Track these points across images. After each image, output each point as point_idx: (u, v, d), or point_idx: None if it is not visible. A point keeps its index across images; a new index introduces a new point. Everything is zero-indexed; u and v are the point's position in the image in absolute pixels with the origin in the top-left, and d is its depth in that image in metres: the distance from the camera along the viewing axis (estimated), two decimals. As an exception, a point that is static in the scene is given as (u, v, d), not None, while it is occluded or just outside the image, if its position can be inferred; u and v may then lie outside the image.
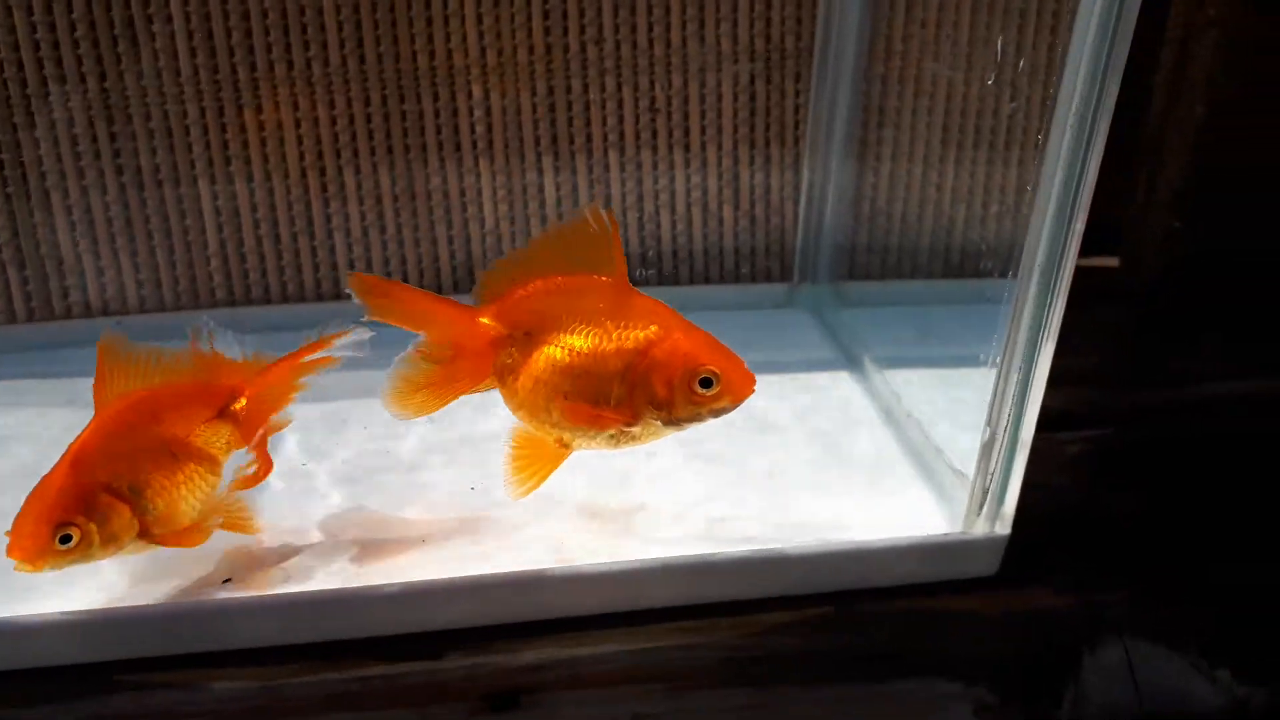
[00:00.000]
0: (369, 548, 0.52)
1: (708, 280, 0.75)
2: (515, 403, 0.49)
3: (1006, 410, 0.50)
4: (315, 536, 0.52)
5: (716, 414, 0.47)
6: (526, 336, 0.48)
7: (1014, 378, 0.50)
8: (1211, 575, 0.55)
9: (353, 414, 0.61)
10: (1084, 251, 0.87)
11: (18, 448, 0.58)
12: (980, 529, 0.53)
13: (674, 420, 0.47)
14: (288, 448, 0.59)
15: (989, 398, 0.51)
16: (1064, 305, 0.48)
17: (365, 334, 0.49)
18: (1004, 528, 0.53)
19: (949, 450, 0.57)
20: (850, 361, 0.69)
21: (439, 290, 0.72)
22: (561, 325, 0.47)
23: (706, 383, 0.46)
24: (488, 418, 0.59)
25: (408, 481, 0.57)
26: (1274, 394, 0.69)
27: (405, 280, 0.71)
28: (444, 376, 0.49)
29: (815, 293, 0.74)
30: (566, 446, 0.49)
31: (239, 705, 0.46)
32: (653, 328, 0.47)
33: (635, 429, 0.47)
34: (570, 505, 0.55)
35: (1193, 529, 0.58)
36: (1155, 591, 0.53)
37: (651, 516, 0.54)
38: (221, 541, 0.51)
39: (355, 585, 0.49)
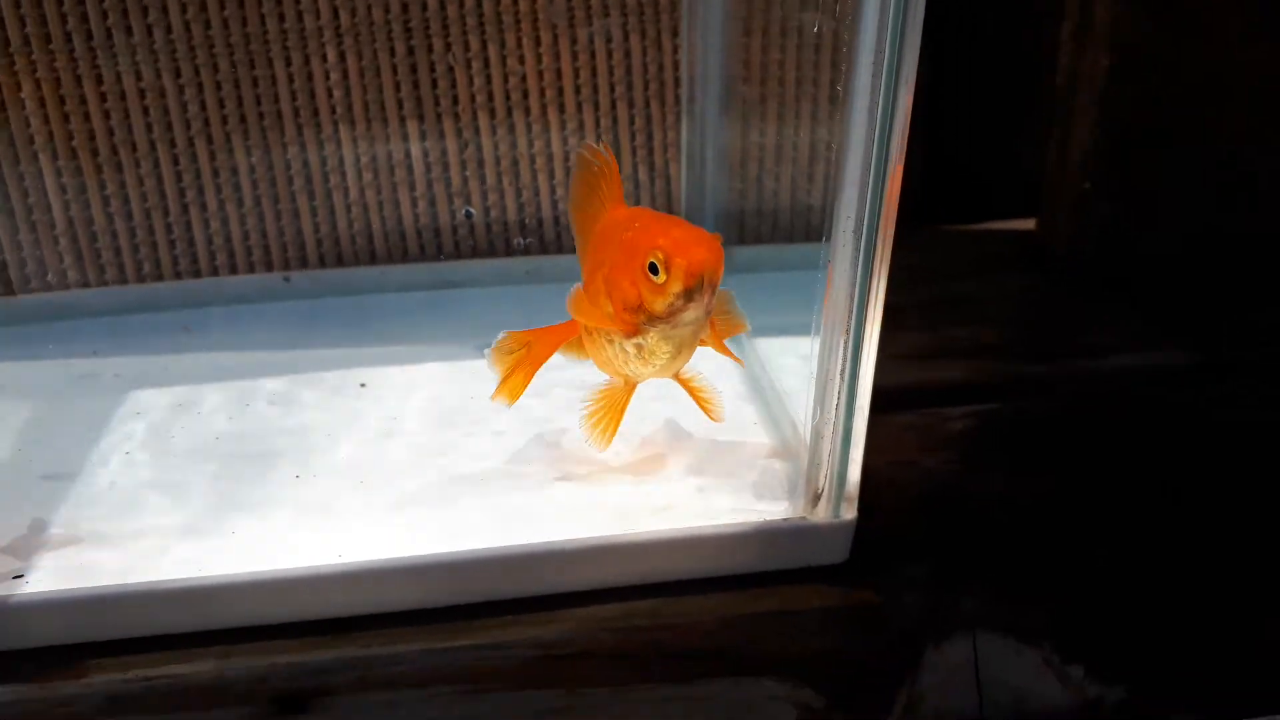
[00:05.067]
0: (170, 540, 0.49)
1: (591, 249, 0.71)
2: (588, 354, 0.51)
3: (835, 385, 0.46)
4: (123, 530, 0.50)
5: (687, 298, 0.43)
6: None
7: (838, 348, 0.45)
8: (1081, 564, 0.50)
9: (186, 401, 0.59)
10: (997, 214, 0.83)
11: None
12: (822, 514, 0.49)
13: (656, 318, 0.44)
14: (107, 437, 0.56)
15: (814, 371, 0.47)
16: (886, 270, 0.44)
17: None
18: (849, 512, 0.49)
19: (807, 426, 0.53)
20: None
21: (304, 264, 0.69)
22: (591, 268, 0.48)
23: (654, 269, 0.43)
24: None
25: (225, 473, 0.54)
26: (1178, 368, 0.64)
27: (268, 254, 0.68)
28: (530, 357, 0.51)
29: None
30: (628, 382, 0.50)
31: (11, 710, 0.44)
32: (624, 235, 0.45)
33: (644, 340, 0.46)
34: (371, 496, 0.52)
35: (1071, 514, 0.53)
36: (1015, 582, 0.49)
37: (459, 500, 0.51)
38: (11, 535, 0.49)
39: (138, 581, 0.46)
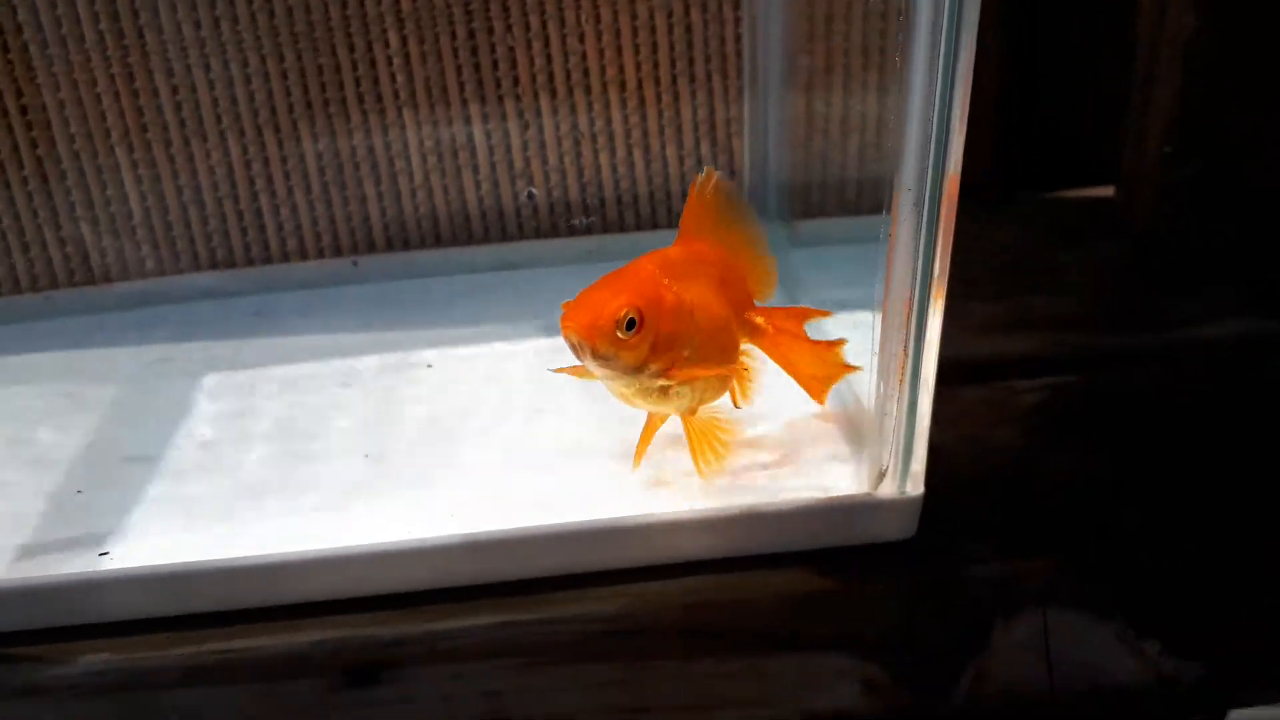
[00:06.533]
0: (244, 518, 0.50)
1: (655, 226, 0.71)
2: None
3: (898, 360, 0.45)
4: (200, 509, 0.51)
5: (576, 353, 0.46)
6: None
7: (901, 322, 0.44)
8: (1157, 541, 0.49)
9: (257, 383, 0.60)
10: (1076, 182, 0.81)
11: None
12: (887, 490, 0.48)
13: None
14: (183, 421, 0.57)
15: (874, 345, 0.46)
16: (950, 240, 0.43)
17: None
18: (916, 488, 0.48)
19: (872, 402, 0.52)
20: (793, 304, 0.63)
21: (371, 248, 0.70)
22: None
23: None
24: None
25: (289, 452, 0.55)
26: (1268, 336, 0.61)
27: (336, 239, 0.69)
28: None
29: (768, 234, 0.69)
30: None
31: (99, 680, 0.46)
32: None
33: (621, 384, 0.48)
34: (439, 473, 0.52)
35: (1150, 491, 0.52)
36: (1087, 558, 0.48)
37: (523, 477, 0.52)
38: (99, 518, 0.51)
39: (214, 558, 0.47)
